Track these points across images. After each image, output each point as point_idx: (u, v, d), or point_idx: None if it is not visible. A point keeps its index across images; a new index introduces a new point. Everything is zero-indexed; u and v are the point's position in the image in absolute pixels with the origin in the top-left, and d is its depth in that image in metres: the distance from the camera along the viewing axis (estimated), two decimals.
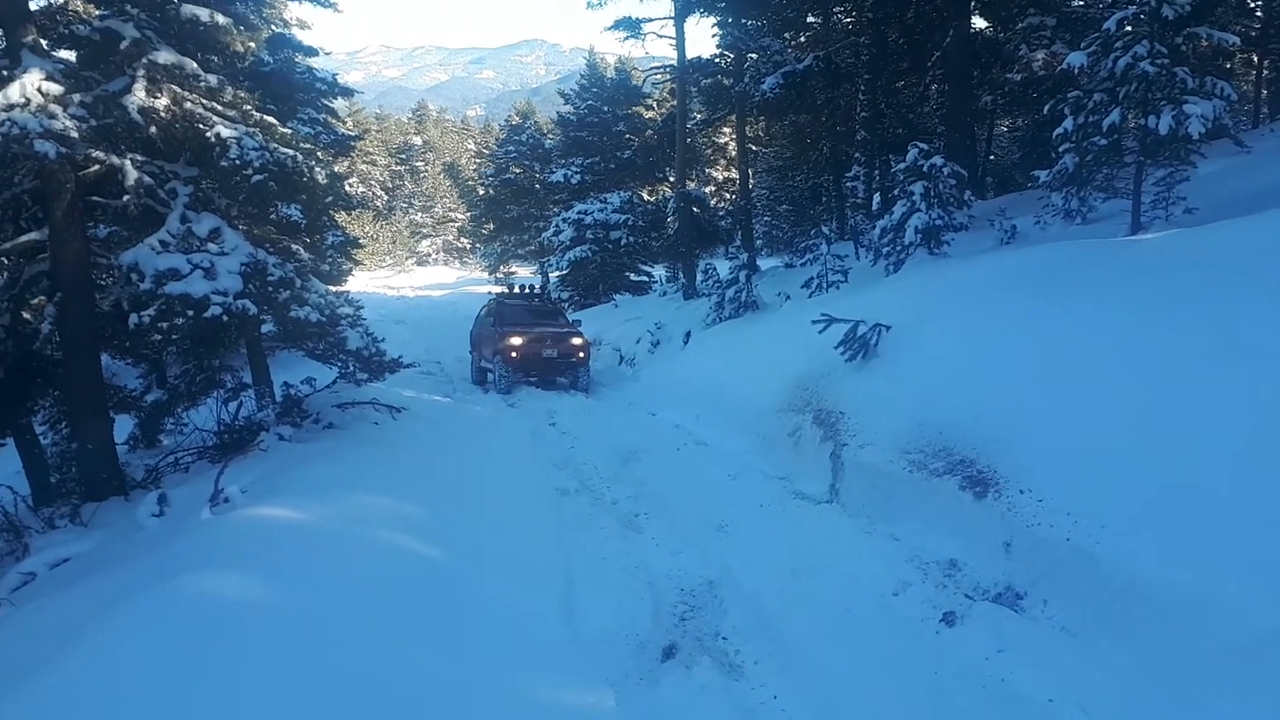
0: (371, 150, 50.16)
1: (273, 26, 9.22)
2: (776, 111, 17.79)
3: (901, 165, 9.09)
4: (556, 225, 22.96)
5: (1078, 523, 3.56)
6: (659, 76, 18.89)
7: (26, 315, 6.51)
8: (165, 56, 5.75)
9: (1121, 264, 5.60)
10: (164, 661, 2.80)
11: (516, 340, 11.08)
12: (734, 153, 23.23)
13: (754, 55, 16.16)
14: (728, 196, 27.21)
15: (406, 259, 48.26)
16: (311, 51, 10.76)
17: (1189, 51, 7.22)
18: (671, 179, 22.96)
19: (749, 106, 16.87)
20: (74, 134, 5.27)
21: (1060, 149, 7.78)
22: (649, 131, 25.55)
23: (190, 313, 5.49)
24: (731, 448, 6.92)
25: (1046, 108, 8.26)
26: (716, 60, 17.35)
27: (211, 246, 5.83)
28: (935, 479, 4.49)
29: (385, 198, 52.45)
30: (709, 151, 28.71)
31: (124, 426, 7.42)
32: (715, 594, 4.14)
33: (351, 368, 7.37)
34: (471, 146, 56.72)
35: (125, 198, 5.82)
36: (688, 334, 11.85)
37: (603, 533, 5.08)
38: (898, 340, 6.02)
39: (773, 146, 25.38)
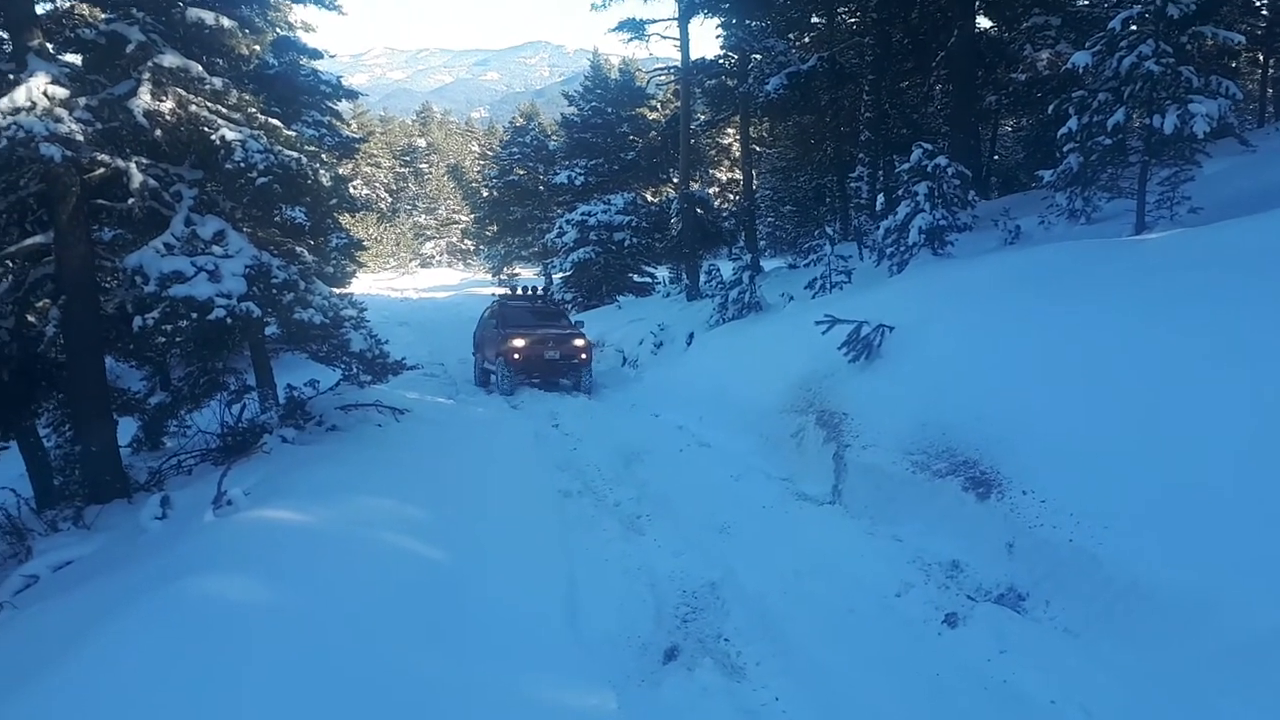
0: (376, 152, 50.33)
1: (278, 29, 9.23)
2: (780, 112, 17.77)
3: (906, 165, 9.09)
4: (560, 227, 22.97)
5: (1080, 523, 3.55)
6: (663, 78, 18.88)
7: (31, 318, 6.53)
8: (171, 60, 5.77)
9: (1126, 264, 5.59)
10: (167, 664, 2.81)
11: (519, 342, 11.08)
12: (738, 153, 23.25)
13: (758, 56, 16.18)
14: (731, 197, 27.13)
15: (410, 261, 48.34)
16: (316, 54, 10.77)
17: (1194, 51, 7.18)
18: (675, 180, 22.96)
19: (753, 107, 16.88)
20: (79, 137, 5.29)
21: (1065, 149, 7.75)
22: (653, 133, 25.56)
23: (194, 315, 5.49)
24: (734, 449, 6.92)
25: (1051, 107, 8.25)
26: (720, 61, 17.35)
27: (216, 249, 5.84)
28: (938, 480, 4.48)
29: (389, 200, 52.64)
30: (713, 152, 28.69)
31: (127, 429, 7.46)
32: (717, 595, 4.14)
33: (355, 370, 7.40)
34: (475, 148, 56.80)
35: (130, 201, 5.83)
36: (691, 335, 11.85)
37: (605, 534, 5.09)
38: (901, 341, 6.01)
39: (776, 147, 25.32)
